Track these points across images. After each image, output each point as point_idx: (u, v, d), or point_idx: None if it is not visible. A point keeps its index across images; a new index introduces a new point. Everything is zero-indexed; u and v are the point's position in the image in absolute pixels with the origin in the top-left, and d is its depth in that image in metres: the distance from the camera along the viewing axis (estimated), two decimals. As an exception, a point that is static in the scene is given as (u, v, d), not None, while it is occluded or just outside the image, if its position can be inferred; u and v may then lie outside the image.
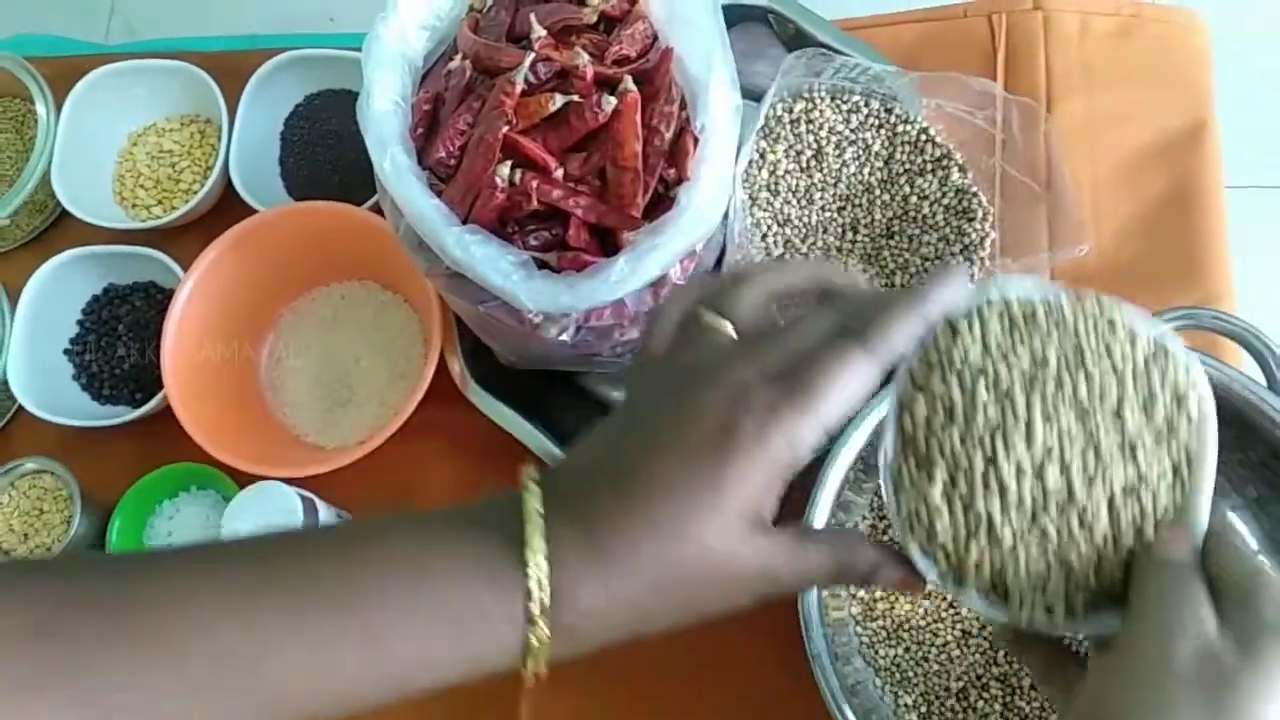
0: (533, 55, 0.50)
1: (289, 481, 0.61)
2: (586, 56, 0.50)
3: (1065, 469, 0.32)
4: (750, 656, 0.60)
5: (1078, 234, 0.64)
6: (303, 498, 0.60)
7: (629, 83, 0.49)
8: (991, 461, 0.32)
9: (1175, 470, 0.33)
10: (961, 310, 0.34)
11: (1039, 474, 0.32)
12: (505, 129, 0.49)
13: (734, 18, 0.62)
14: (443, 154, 0.51)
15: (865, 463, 0.56)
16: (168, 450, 0.67)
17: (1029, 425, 0.32)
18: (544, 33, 0.52)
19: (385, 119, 0.50)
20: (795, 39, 0.67)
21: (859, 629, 0.59)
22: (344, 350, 0.70)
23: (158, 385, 0.65)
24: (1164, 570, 0.31)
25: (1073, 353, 0.33)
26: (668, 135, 0.50)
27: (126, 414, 0.68)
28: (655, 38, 0.53)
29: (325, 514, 0.61)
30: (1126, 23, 0.68)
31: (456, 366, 0.65)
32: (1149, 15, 0.69)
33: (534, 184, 0.50)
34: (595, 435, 0.35)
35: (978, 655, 0.58)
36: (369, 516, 0.66)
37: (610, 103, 0.49)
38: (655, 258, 0.47)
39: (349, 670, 0.31)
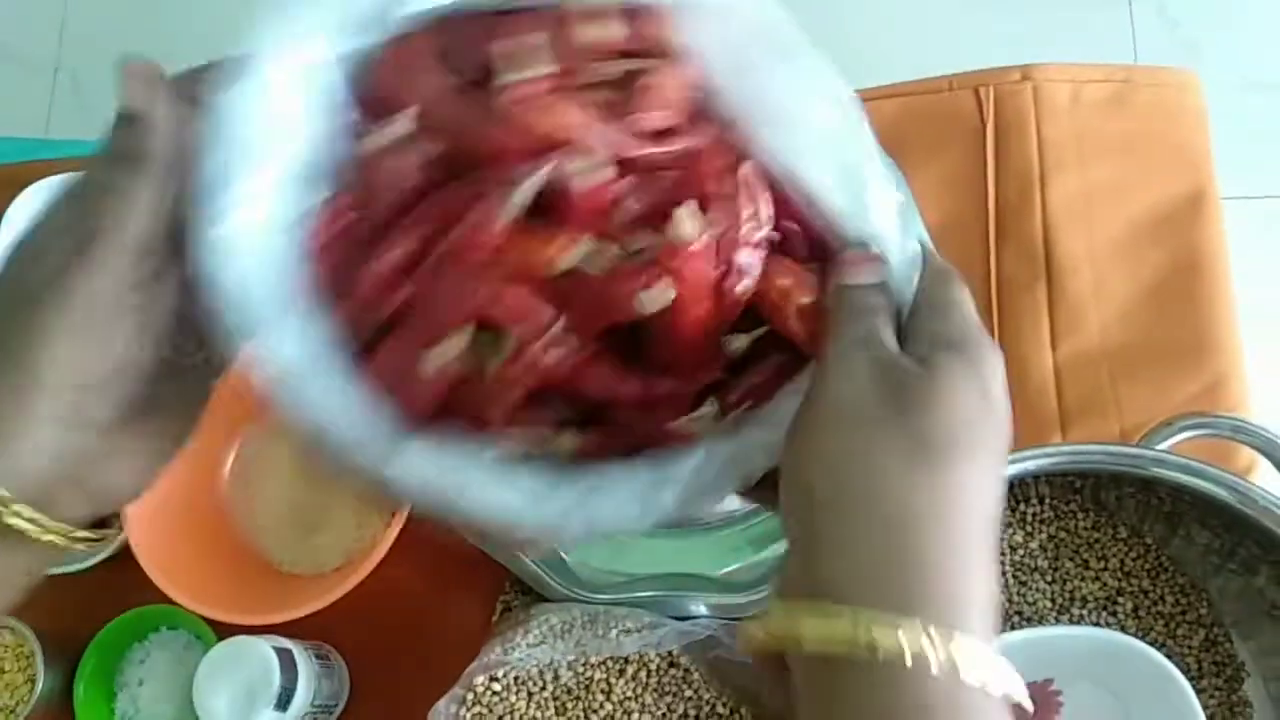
0: (547, 165, 0.29)
1: (265, 629, 0.57)
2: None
3: None
4: None
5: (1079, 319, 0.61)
6: (279, 650, 0.56)
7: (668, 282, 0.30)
8: None
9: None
10: None
11: None
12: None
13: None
14: (366, 307, 0.30)
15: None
16: (133, 589, 0.62)
17: None
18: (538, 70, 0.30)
19: (256, 270, 0.29)
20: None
21: None
22: (312, 474, 0.66)
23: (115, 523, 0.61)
24: (843, 294, 0.30)
25: None
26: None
27: (85, 558, 0.64)
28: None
29: (304, 666, 0.57)
30: (1119, 89, 0.65)
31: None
32: (1141, 79, 0.66)
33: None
34: None
35: None
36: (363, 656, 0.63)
37: (666, 296, 0.30)
38: (739, 458, 0.31)
39: None
